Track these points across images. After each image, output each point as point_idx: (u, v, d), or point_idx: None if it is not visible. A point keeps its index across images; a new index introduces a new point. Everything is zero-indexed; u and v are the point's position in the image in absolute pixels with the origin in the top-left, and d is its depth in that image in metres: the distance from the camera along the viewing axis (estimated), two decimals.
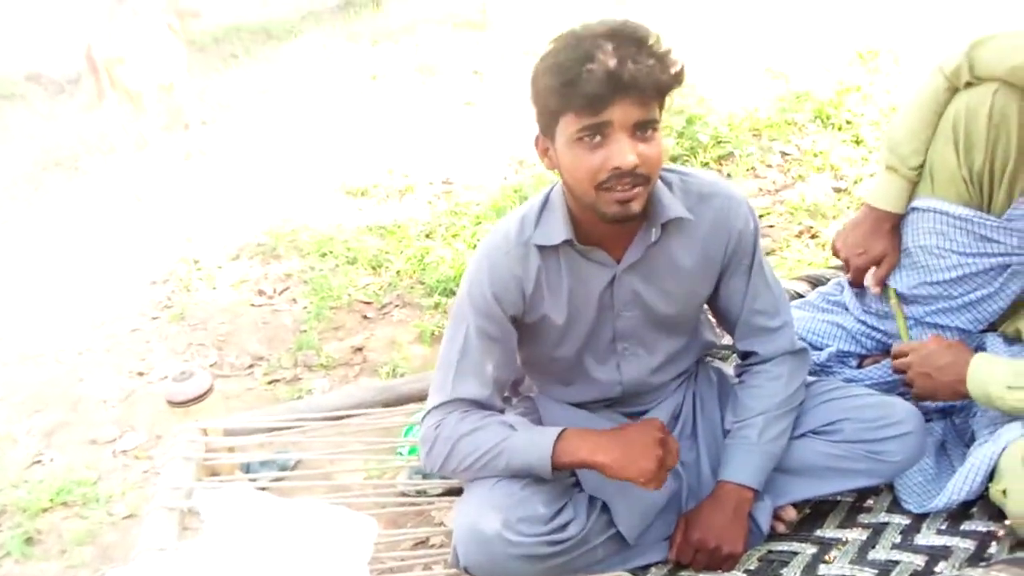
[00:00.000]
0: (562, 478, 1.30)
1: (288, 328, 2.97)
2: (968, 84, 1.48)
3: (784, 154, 3.77)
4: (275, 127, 5.15)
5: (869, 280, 1.60)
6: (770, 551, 1.35)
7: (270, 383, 2.65)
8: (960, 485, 1.31)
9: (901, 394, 1.57)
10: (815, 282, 1.87)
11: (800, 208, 3.27)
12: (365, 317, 2.97)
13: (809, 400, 1.42)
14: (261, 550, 1.21)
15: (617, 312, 1.35)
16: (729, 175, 3.65)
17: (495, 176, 3.88)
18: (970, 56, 1.46)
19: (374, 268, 3.23)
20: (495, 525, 1.22)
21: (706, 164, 3.68)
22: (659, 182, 1.28)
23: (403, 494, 1.89)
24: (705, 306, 1.49)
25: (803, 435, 1.39)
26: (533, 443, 1.25)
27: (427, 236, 3.38)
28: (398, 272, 3.17)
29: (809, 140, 3.77)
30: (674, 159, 3.73)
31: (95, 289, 3.46)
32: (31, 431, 2.53)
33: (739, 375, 1.50)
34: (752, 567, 1.32)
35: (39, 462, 2.32)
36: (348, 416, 1.74)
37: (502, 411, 1.41)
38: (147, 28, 4.51)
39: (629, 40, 1.14)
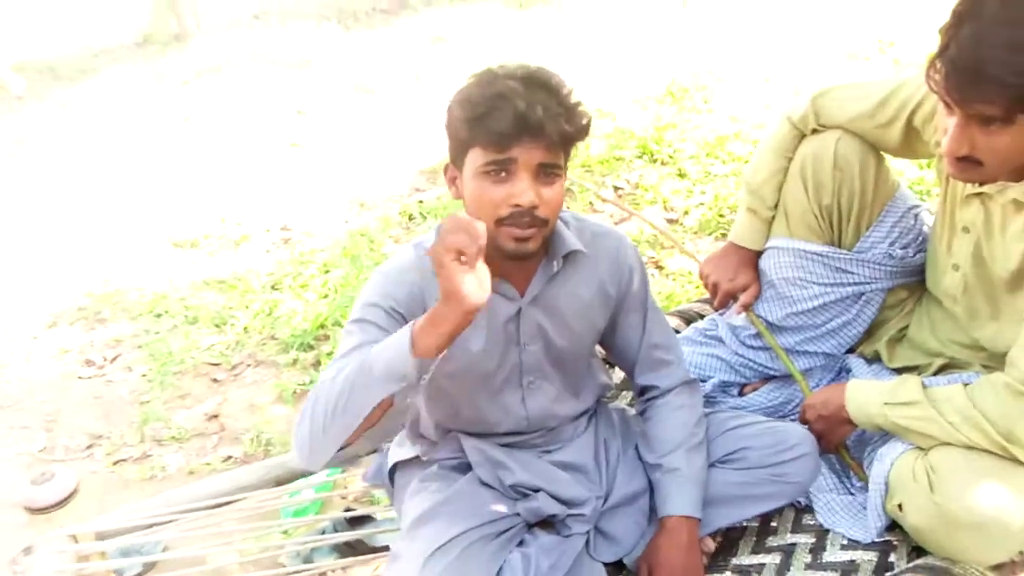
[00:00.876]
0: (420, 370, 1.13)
1: (127, 400, 2.70)
2: (814, 130, 1.63)
3: (616, 188, 3.96)
4: (79, 175, 4.70)
5: (735, 307, 1.73)
6: None
7: (115, 463, 2.39)
8: (876, 513, 1.41)
9: (783, 416, 1.70)
10: (687, 318, 1.97)
11: (640, 240, 3.44)
12: (215, 380, 2.76)
13: (710, 431, 1.49)
14: None
15: (523, 346, 1.37)
16: (568, 208, 3.78)
17: (336, 220, 3.78)
18: (815, 105, 1.62)
19: (218, 326, 3.01)
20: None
21: None
22: (562, 229, 1.34)
23: (292, 572, 1.77)
24: (598, 348, 1.53)
25: (711, 466, 1.45)
26: (388, 341, 1.15)
27: (273, 288, 3.21)
28: (245, 328, 2.98)
29: (637, 175, 3.98)
30: None
31: None
32: None
33: (642, 411, 1.54)
34: None
35: None
36: (236, 500, 1.60)
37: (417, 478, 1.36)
38: None
39: (542, 86, 1.20)
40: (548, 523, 1.41)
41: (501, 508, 1.38)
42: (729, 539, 1.49)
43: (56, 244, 3.89)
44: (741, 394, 1.78)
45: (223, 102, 5.64)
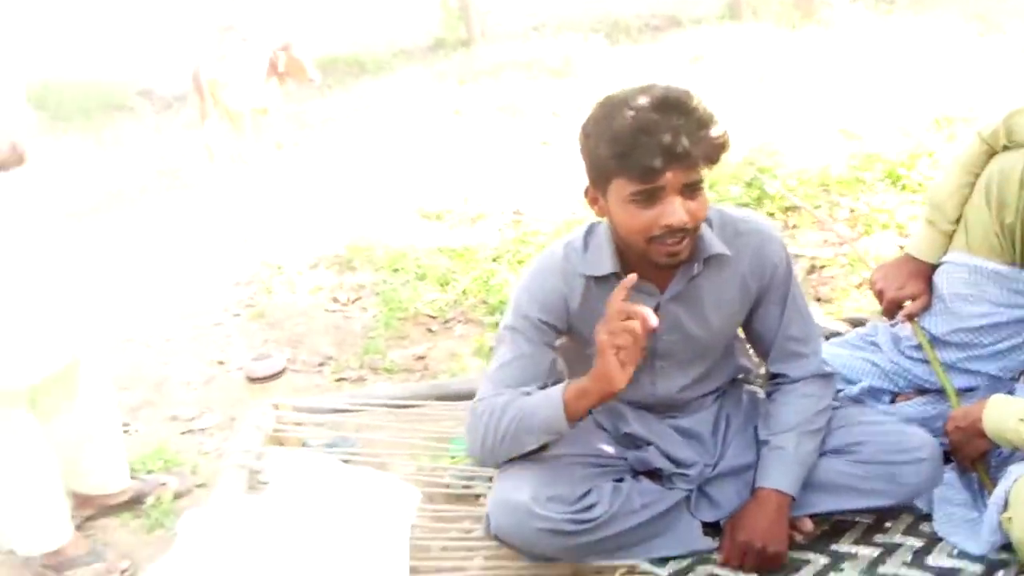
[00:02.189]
0: (584, 430, 1.41)
1: (357, 334, 3.16)
2: (1005, 148, 1.58)
3: (851, 209, 3.82)
4: (361, 152, 5.46)
5: (900, 315, 1.69)
6: (787, 555, 1.43)
7: (337, 380, 2.84)
8: (991, 527, 1.36)
9: (931, 431, 1.64)
10: (856, 323, 1.96)
11: (861, 261, 3.31)
12: (429, 330, 3.14)
13: (833, 422, 1.51)
14: (316, 508, 1.36)
15: (659, 336, 1.43)
16: (795, 226, 3.72)
17: (563, 210, 4.05)
18: (1007, 123, 1.57)
19: (442, 285, 3.41)
20: (525, 498, 1.34)
21: (771, 214, 3.76)
22: (707, 232, 1.40)
23: (453, 490, 2.02)
24: (740, 332, 1.60)
25: (824, 453, 1.47)
26: (545, 399, 1.33)
27: (494, 260, 3.55)
28: (464, 291, 3.34)
29: (878, 199, 3.81)
30: (741, 207, 3.83)
31: (186, 285, 3.74)
32: (120, 406, 2.76)
33: (769, 393, 1.59)
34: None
35: (126, 433, 2.53)
36: (405, 406, 1.89)
37: None
38: (250, 56, 4.89)
39: (679, 111, 1.23)
40: (655, 475, 1.52)
41: (609, 449, 1.52)
42: (837, 528, 1.50)
43: (334, 204, 4.58)
44: (892, 403, 1.74)
45: (492, 101, 6.19)
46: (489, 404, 1.39)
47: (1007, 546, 1.34)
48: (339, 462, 1.48)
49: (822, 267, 3.38)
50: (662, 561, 1.45)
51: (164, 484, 2.10)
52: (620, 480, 1.48)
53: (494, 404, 1.38)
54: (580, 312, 1.43)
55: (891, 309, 1.73)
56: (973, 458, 1.48)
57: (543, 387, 1.44)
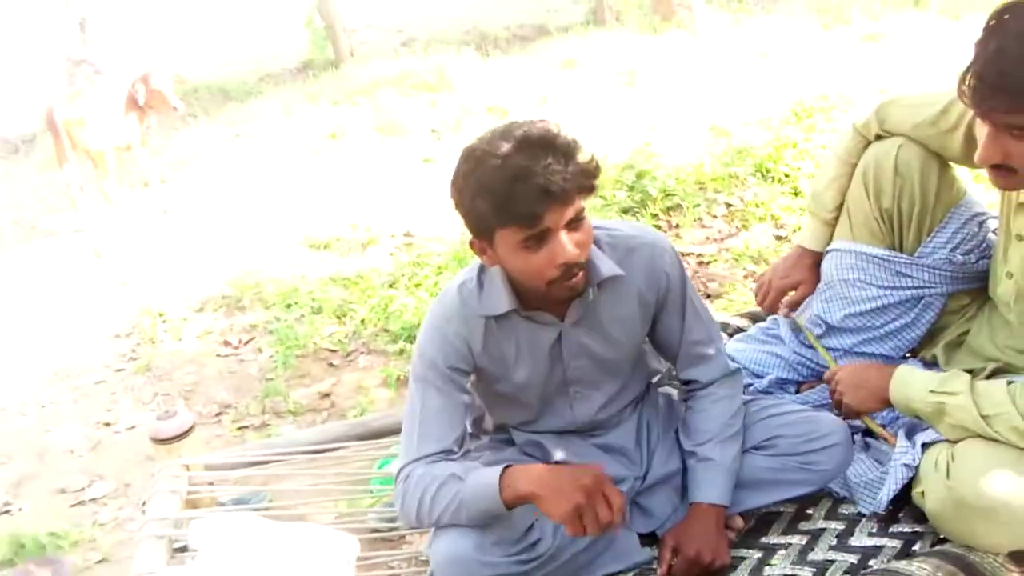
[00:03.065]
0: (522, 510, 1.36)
1: (254, 377, 3.04)
2: (878, 137, 1.68)
3: (728, 205, 4.00)
4: (236, 183, 5.25)
5: (781, 306, 1.79)
6: None
7: (239, 429, 2.72)
8: (891, 485, 1.45)
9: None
10: (755, 319, 2.03)
11: (744, 255, 3.47)
12: (331, 364, 3.06)
13: (748, 418, 1.56)
14: (250, 571, 1.28)
15: (567, 363, 1.46)
16: (678, 225, 3.86)
17: (454, 229, 4.03)
18: (879, 114, 1.67)
19: (339, 317, 3.32)
20: (469, 549, 1.31)
21: (655, 215, 3.88)
22: (596, 255, 1.39)
23: (375, 529, 1.97)
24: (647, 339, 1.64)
25: (745, 451, 1.53)
26: (481, 487, 1.30)
27: (390, 286, 3.49)
28: (362, 320, 3.27)
29: (751, 192, 4.00)
30: (625, 211, 3.93)
31: (58, 343, 3.49)
32: None
33: (685, 400, 1.64)
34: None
35: (7, 512, 2.33)
36: (324, 451, 1.82)
37: (467, 451, 1.49)
38: (106, 90, 4.62)
39: (545, 149, 1.22)
40: None
41: None
42: (764, 521, 1.55)
43: (213, 241, 4.38)
44: (798, 391, 1.82)
45: (369, 120, 6.10)
46: (421, 479, 1.35)
47: (919, 518, 1.42)
48: (264, 520, 1.40)
49: (708, 263, 3.52)
50: None
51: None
52: None
53: (426, 482, 1.34)
54: (484, 352, 1.43)
55: (776, 298, 1.81)
56: (860, 413, 1.57)
57: (460, 437, 1.43)
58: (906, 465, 1.42)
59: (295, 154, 5.61)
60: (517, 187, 1.20)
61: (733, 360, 1.68)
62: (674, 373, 1.77)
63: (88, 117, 4.33)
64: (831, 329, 1.76)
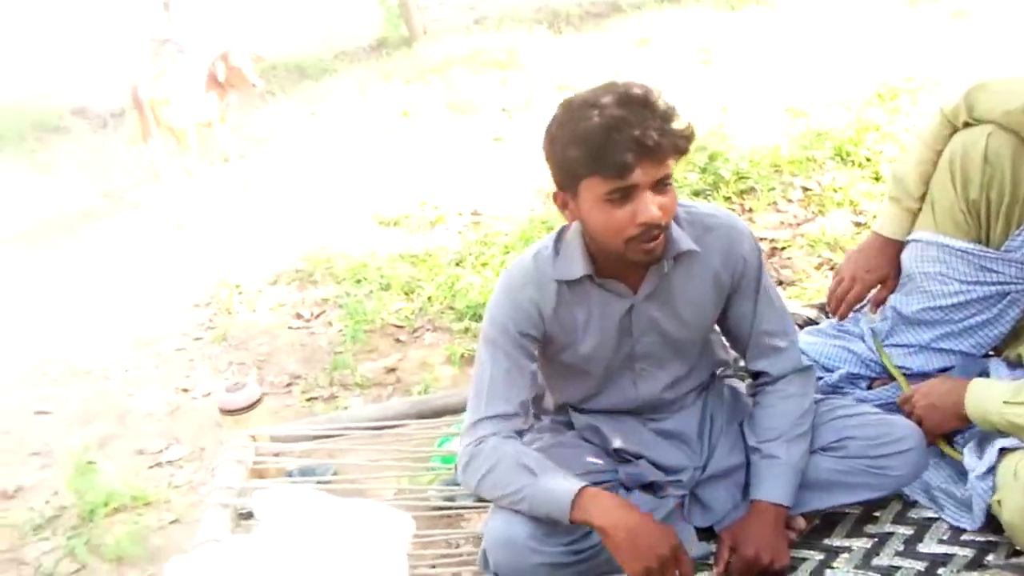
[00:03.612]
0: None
1: (324, 350, 3.11)
2: (966, 124, 1.59)
3: (805, 189, 3.87)
4: (311, 160, 5.36)
5: (868, 303, 1.71)
6: None
7: (308, 400, 2.79)
8: (981, 500, 1.39)
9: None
10: (827, 311, 1.97)
11: (820, 241, 3.36)
12: (398, 340, 3.10)
13: (818, 418, 1.51)
14: (309, 543, 1.32)
15: (636, 338, 1.45)
16: (751, 209, 3.76)
17: (522, 208, 4.03)
18: (968, 99, 1.58)
19: (406, 294, 3.37)
20: (523, 536, 1.32)
21: (728, 198, 3.80)
22: (675, 229, 1.39)
23: (436, 508, 2.00)
24: (716, 327, 1.60)
25: (812, 452, 1.48)
26: (553, 495, 1.29)
27: (457, 264, 3.52)
28: (429, 298, 3.31)
29: (829, 177, 3.87)
30: (696, 193, 3.85)
31: (141, 311, 3.64)
32: (84, 442, 2.68)
33: (753, 394, 1.59)
34: None
35: (92, 471, 2.45)
36: (386, 427, 1.86)
37: (531, 427, 1.51)
38: (189, 69, 4.75)
39: (644, 106, 1.24)
40: (647, 487, 1.51)
41: (599, 462, 1.51)
42: (827, 522, 1.51)
43: (288, 216, 4.49)
44: (869, 388, 1.76)
45: (440, 98, 6.13)
46: (492, 453, 1.36)
47: (997, 527, 1.36)
48: (326, 494, 1.44)
49: (782, 248, 3.42)
50: None
51: None
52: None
53: (496, 458, 1.36)
54: (554, 318, 1.43)
55: (859, 296, 1.73)
56: (940, 434, 1.50)
57: (525, 402, 1.43)
58: (981, 476, 1.36)
59: (368, 132, 5.69)
60: (612, 137, 1.21)
61: (805, 355, 1.63)
62: (741, 364, 1.74)
63: (171, 95, 4.48)
64: (907, 322, 1.69)
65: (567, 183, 1.31)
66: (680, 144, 1.25)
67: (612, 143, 1.21)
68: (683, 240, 1.39)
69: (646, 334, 1.45)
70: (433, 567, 1.69)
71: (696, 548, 1.46)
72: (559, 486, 1.30)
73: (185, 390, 2.94)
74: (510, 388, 1.41)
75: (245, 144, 5.89)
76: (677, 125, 1.25)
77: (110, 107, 7.48)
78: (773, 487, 1.43)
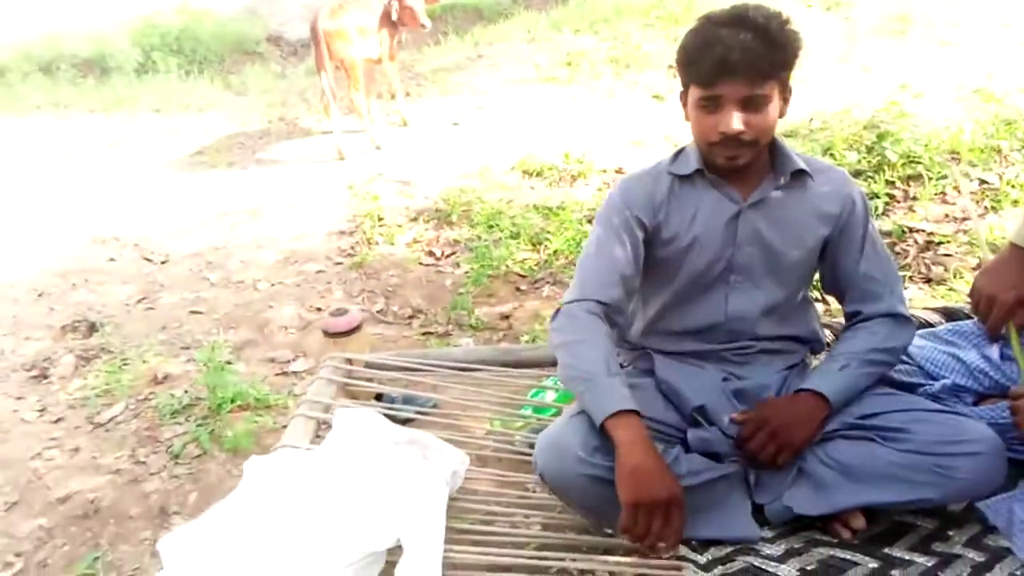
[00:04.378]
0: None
1: (447, 288, 3.24)
2: None
3: (983, 182, 3.54)
4: (471, 103, 5.49)
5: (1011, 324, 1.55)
6: (832, 555, 1.38)
7: (424, 334, 2.93)
8: None
9: (1012, 439, 1.53)
10: (950, 315, 1.83)
11: (986, 241, 3.08)
12: (518, 289, 3.18)
13: (883, 407, 1.42)
14: (365, 462, 1.42)
15: (738, 245, 1.48)
16: (914, 197, 3.49)
17: None
18: None
19: (534, 245, 3.43)
20: (574, 445, 1.36)
21: (891, 183, 3.54)
22: (785, 143, 1.49)
23: (519, 452, 2.07)
24: (819, 311, 1.55)
25: (872, 439, 1.40)
26: (604, 396, 1.34)
27: (588, 221, 3.52)
28: (555, 251, 3.35)
29: (1014, 171, 3.51)
30: (856, 175, 3.62)
31: (295, 231, 3.93)
32: (226, 343, 2.96)
33: (846, 330, 1.56)
34: (811, 567, 1.36)
35: (227, 371, 2.72)
36: (473, 369, 1.94)
37: (626, 306, 1.53)
38: (365, 5, 4.96)
39: (746, 28, 1.33)
40: (711, 455, 1.50)
41: (671, 418, 1.51)
42: (893, 531, 1.43)
43: (435, 154, 4.65)
44: (976, 404, 1.63)
45: (605, 52, 6.05)
46: (578, 326, 1.43)
47: None
48: (394, 424, 1.54)
49: (939, 244, 3.16)
50: (702, 547, 1.44)
51: None
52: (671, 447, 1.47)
53: (578, 335, 1.42)
54: (665, 206, 1.50)
55: (1003, 318, 1.57)
56: None
57: (619, 300, 1.47)
58: None
59: (529, 79, 5.73)
60: (704, 52, 1.34)
61: (919, 368, 1.56)
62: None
63: (346, 30, 4.71)
64: None
65: (684, 85, 1.45)
66: (763, 67, 1.33)
67: (702, 57, 1.34)
68: (797, 161, 1.48)
69: (748, 243, 1.49)
70: (507, 507, 1.77)
71: (748, 528, 1.44)
72: (615, 393, 1.34)
73: (319, 309, 3.17)
74: (609, 264, 1.48)
75: (412, 82, 6.10)
76: (772, 44, 1.33)
77: (301, 37, 7.97)
78: (819, 381, 1.44)
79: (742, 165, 1.43)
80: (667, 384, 1.55)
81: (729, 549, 1.43)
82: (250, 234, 3.95)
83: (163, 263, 3.73)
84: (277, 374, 2.78)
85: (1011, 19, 5.18)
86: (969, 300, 1.63)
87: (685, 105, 1.47)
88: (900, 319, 1.51)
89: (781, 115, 1.43)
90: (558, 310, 1.50)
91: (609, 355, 1.40)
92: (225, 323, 3.13)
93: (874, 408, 1.42)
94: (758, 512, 1.48)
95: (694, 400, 1.51)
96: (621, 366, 1.62)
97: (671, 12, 6.38)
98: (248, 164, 5.06)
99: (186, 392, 2.62)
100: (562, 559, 1.49)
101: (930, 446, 1.34)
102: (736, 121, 1.36)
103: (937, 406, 1.44)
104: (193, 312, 3.22)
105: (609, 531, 1.48)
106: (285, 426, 2.43)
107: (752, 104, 1.36)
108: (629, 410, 1.32)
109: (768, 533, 1.45)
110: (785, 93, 1.42)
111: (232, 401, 2.52)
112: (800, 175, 1.48)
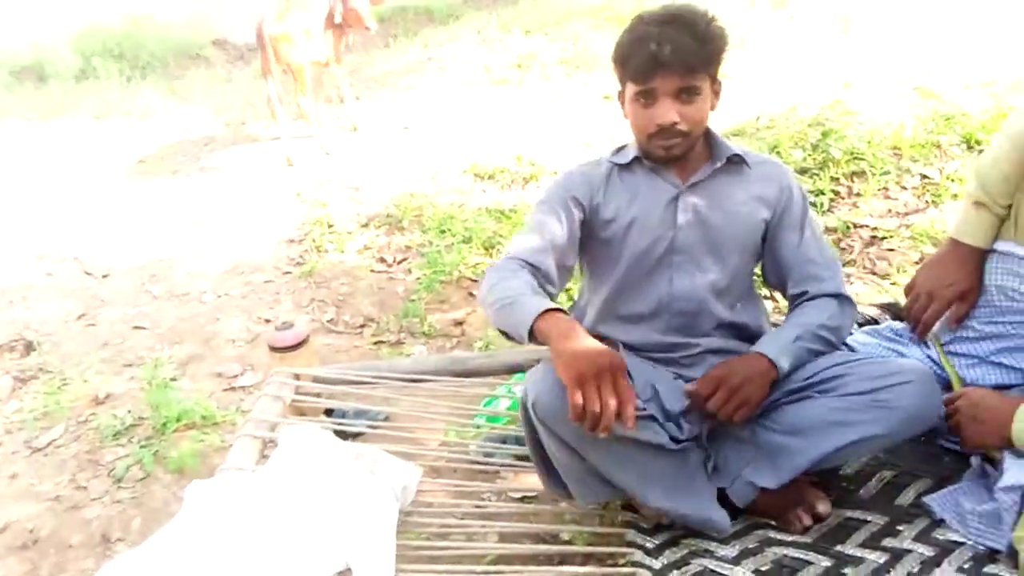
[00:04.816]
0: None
1: (399, 296, 3.19)
2: None
3: (924, 177, 3.62)
4: (421, 106, 5.44)
5: (940, 322, 1.58)
6: (786, 555, 1.38)
7: (375, 343, 2.88)
8: (1007, 519, 1.30)
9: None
10: (894, 312, 1.85)
11: (926, 235, 3.14)
12: (471, 294, 3.14)
13: (817, 367, 1.46)
14: (311, 481, 1.38)
15: (679, 226, 1.53)
16: (858, 194, 3.55)
17: None
18: None
19: (487, 248, 3.40)
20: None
21: (836, 179, 3.59)
22: (721, 139, 1.56)
23: (474, 462, 2.04)
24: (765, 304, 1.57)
25: (811, 396, 1.43)
26: (528, 307, 1.32)
27: None
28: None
29: (954, 165, 3.59)
30: (801, 172, 3.67)
31: (241, 240, 3.84)
32: (170, 358, 2.88)
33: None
34: (765, 568, 1.36)
35: (172, 387, 2.64)
36: (423, 380, 1.90)
37: (554, 278, 1.52)
38: (311, 8, 4.88)
39: (676, 24, 1.41)
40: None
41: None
42: (845, 526, 1.44)
43: (387, 160, 4.59)
44: None
45: (555, 53, 6.05)
46: (502, 271, 1.45)
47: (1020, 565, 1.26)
48: (340, 439, 1.50)
49: (883, 238, 3.22)
50: (657, 551, 1.43)
51: None
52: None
53: (503, 274, 1.44)
54: (603, 189, 1.56)
55: (938, 313, 1.60)
56: (976, 446, 1.40)
57: (550, 267, 1.49)
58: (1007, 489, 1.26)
59: (480, 81, 5.71)
60: (636, 47, 1.42)
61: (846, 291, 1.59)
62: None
63: (291, 33, 4.63)
64: (969, 332, 1.57)
65: (620, 82, 1.52)
66: (694, 61, 1.40)
67: (635, 53, 1.43)
68: (733, 147, 1.55)
69: (688, 224, 1.53)
70: (462, 518, 1.74)
71: (715, 511, 1.45)
72: (539, 302, 1.32)
73: (267, 320, 3.10)
74: (542, 236, 1.51)
75: (361, 85, 6.03)
76: (699, 40, 1.41)
77: (248, 40, 7.82)
78: (772, 346, 1.47)
79: (678, 155, 1.49)
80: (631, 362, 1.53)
81: (684, 552, 1.43)
82: (195, 244, 3.85)
83: (104, 277, 3.61)
84: (224, 389, 2.71)
85: (948, 17, 5.30)
86: (906, 294, 1.66)
87: (623, 103, 1.53)
88: (844, 300, 1.55)
89: (712, 108, 1.50)
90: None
91: (533, 286, 1.42)
92: (169, 338, 3.05)
93: (810, 370, 1.47)
94: (722, 503, 1.48)
95: (648, 386, 1.50)
96: None
97: (620, 13, 6.40)
98: (192, 172, 4.94)
99: (129, 412, 2.54)
100: (519, 572, 1.47)
101: (864, 384, 1.38)
102: (671, 112, 1.43)
103: (870, 353, 1.48)
104: (136, 328, 3.13)
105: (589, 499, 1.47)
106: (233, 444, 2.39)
107: (685, 96, 1.43)
108: (554, 309, 1.31)
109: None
110: (715, 86, 1.49)
111: (177, 420, 2.45)
112: (737, 160, 1.55)
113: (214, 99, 6.47)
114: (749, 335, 1.60)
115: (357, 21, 4.81)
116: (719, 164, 1.54)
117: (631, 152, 1.57)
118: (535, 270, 1.47)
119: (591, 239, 1.58)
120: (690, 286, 1.54)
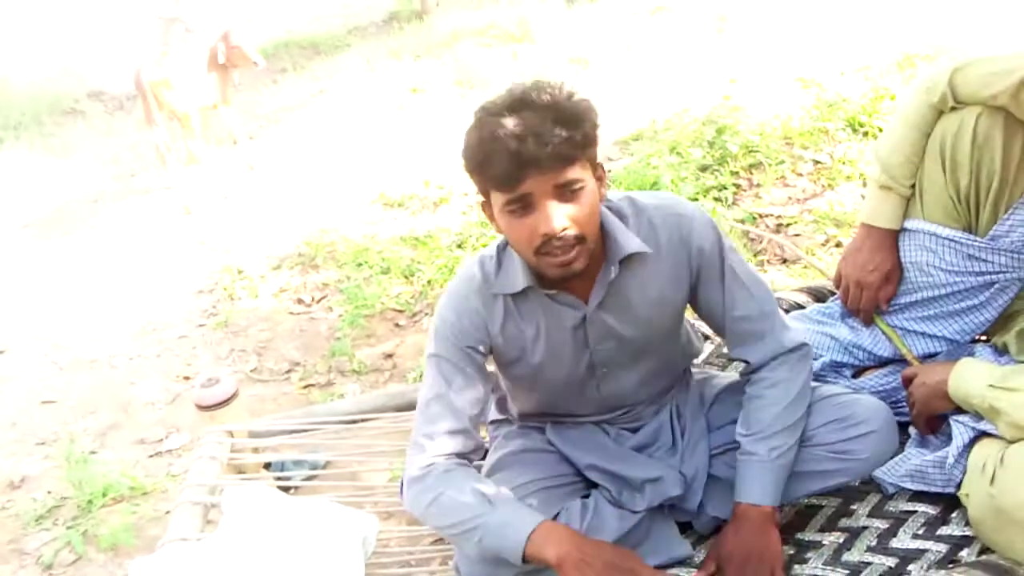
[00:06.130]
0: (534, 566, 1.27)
1: (323, 335, 3.12)
2: (953, 108, 1.52)
3: (816, 162, 3.78)
4: (318, 140, 5.34)
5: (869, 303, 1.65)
6: None
7: (305, 387, 2.80)
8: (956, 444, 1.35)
9: (895, 402, 1.61)
10: (818, 295, 1.92)
11: (827, 217, 3.28)
12: (397, 325, 3.10)
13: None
14: (269, 543, 1.32)
15: (592, 347, 1.37)
16: (759, 184, 3.68)
17: None
18: (952, 83, 1.50)
19: (406, 277, 3.36)
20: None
21: (736, 173, 3.72)
22: (612, 217, 1.31)
23: None
24: (692, 319, 1.54)
25: None
26: (508, 527, 1.23)
27: (458, 246, 3.50)
28: (429, 281, 3.29)
29: (841, 148, 3.77)
30: (703, 169, 3.78)
31: (147, 298, 3.67)
32: (86, 431, 2.72)
33: (744, 385, 1.49)
34: None
35: (91, 462, 2.49)
36: (363, 420, 1.85)
37: (481, 445, 1.44)
38: (193, 50, 4.74)
39: (531, 112, 1.15)
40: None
41: (563, 467, 1.46)
42: (803, 514, 1.48)
43: (290, 197, 4.49)
44: (855, 377, 1.72)
45: (449, 75, 6.07)
46: (437, 483, 1.28)
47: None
48: (285, 496, 1.44)
49: (788, 225, 3.35)
50: None
51: None
52: (587, 496, 1.43)
53: (447, 483, 1.28)
54: (500, 333, 1.35)
55: (874, 300, 1.64)
56: (929, 417, 1.46)
57: (474, 417, 1.35)
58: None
59: (376, 109, 5.66)
60: (490, 147, 1.14)
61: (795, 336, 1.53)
62: (724, 351, 1.68)
63: (173, 78, 4.48)
64: (893, 306, 1.64)
65: (482, 193, 1.25)
66: (569, 152, 1.16)
67: (493, 157, 1.15)
68: (629, 242, 1.30)
69: (603, 342, 1.37)
70: (423, 559, 1.70)
71: (678, 547, 1.43)
72: (516, 519, 1.22)
73: (187, 378, 2.97)
74: (458, 404, 1.32)
75: (254, 124, 5.89)
76: (569, 128, 1.16)
77: (126, 90, 7.53)
78: (753, 487, 1.35)
79: (580, 270, 1.23)
80: (560, 440, 1.49)
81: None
82: (98, 307, 3.66)
83: (1, 354, 3.39)
84: (150, 456, 2.58)
85: (819, 9, 5.59)
86: (836, 287, 1.72)
87: (491, 217, 1.26)
88: (793, 351, 1.42)
89: (601, 199, 1.27)
90: (403, 482, 1.34)
91: (476, 487, 1.27)
92: (82, 409, 2.87)
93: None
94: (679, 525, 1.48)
95: (588, 458, 1.46)
96: (508, 423, 1.56)
97: (506, 30, 6.48)
98: (85, 231, 4.71)
99: (49, 493, 2.38)
100: None
101: (826, 435, 1.38)
102: (556, 216, 1.17)
103: (831, 389, 1.49)
104: (44, 402, 2.94)
105: None
106: (168, 512, 2.26)
107: (569, 192, 1.18)
108: (540, 523, 1.22)
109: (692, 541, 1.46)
110: (598, 172, 1.25)
111: (103, 495, 2.31)
112: (637, 255, 1.31)
113: (97, 153, 6.19)
114: (690, 353, 1.55)
115: (243, 59, 4.69)
116: (613, 273, 1.30)
117: (519, 278, 1.30)
118: (467, 459, 1.34)
119: (501, 368, 1.42)
120: (618, 388, 1.44)
